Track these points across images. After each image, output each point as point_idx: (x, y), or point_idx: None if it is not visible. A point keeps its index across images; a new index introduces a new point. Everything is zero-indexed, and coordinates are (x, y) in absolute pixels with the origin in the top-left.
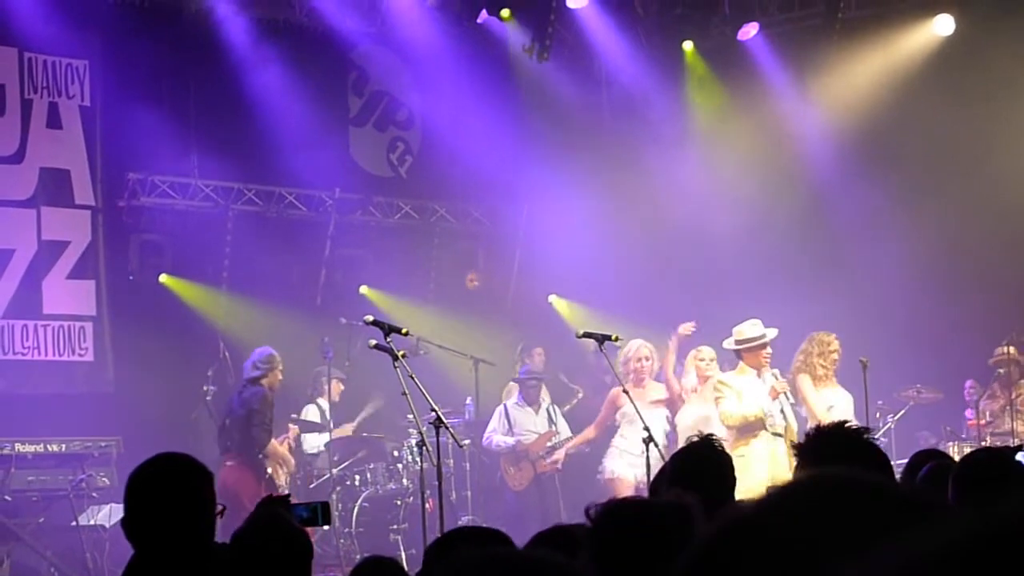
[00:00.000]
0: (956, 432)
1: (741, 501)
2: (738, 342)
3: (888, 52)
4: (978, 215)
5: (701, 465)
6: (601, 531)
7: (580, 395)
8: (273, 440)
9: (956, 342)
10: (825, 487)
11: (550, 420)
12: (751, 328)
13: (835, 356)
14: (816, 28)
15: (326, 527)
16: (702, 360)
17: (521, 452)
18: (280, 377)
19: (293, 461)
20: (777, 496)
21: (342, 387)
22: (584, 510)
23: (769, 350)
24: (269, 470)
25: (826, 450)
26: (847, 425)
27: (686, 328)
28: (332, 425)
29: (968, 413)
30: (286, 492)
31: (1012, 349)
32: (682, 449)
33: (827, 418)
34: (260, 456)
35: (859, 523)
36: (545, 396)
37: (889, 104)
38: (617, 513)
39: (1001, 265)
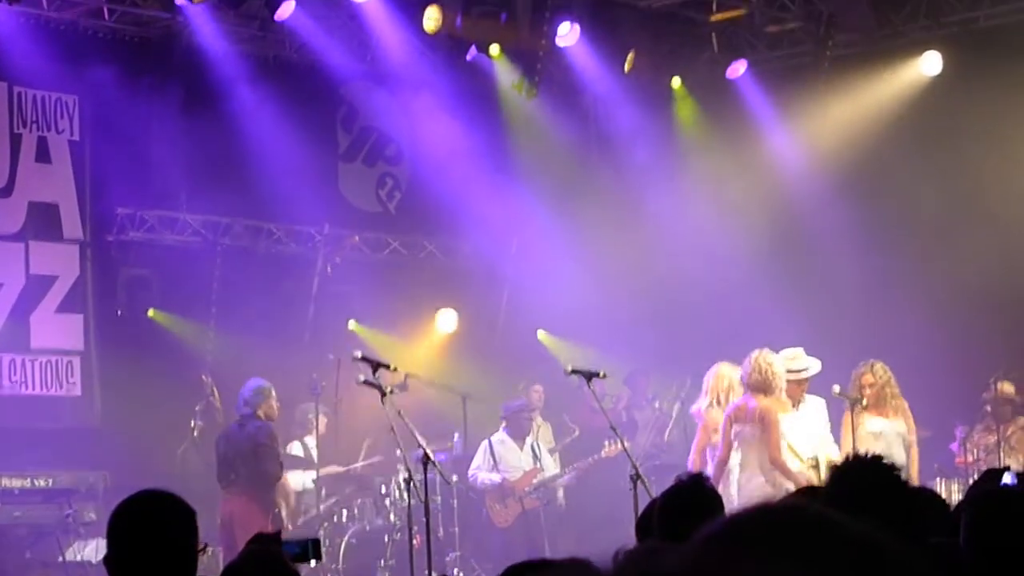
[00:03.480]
0: (943, 469)
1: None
2: (790, 371)
3: (876, 90)
4: (967, 251)
5: (689, 504)
6: None
7: (576, 434)
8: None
9: (945, 379)
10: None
11: (535, 456)
12: (795, 358)
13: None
14: (804, 66)
15: (316, 563)
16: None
17: (507, 489)
18: (276, 406)
19: (292, 491)
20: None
21: (327, 421)
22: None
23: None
24: (278, 506)
25: (851, 485)
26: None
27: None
28: (318, 461)
29: (954, 448)
30: (288, 526)
31: (1008, 386)
32: (671, 487)
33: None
34: (271, 490)
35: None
36: (547, 435)
37: (877, 141)
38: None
39: (991, 301)
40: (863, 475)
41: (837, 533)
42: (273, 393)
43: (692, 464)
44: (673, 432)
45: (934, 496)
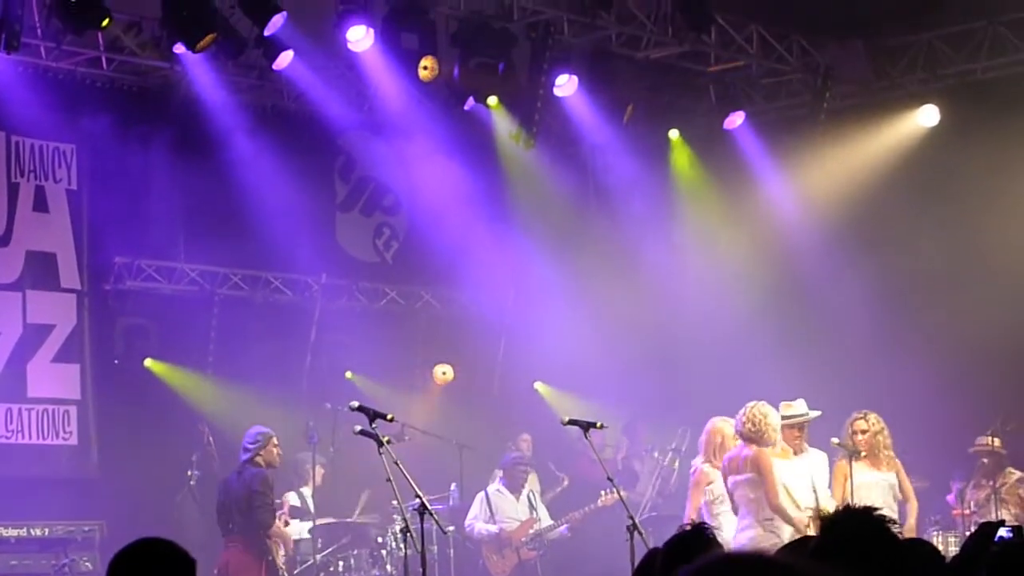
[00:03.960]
0: (941, 521)
1: None
2: (784, 418)
3: (873, 141)
4: (965, 303)
5: (692, 554)
6: None
7: (565, 483)
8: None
9: (942, 431)
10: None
11: (531, 507)
12: (795, 406)
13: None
14: (802, 117)
15: None
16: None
17: (504, 539)
18: (277, 453)
19: (291, 537)
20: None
21: (323, 471)
22: None
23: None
24: (272, 554)
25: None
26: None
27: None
28: (314, 512)
29: (950, 500)
30: (284, 575)
31: (996, 441)
32: (674, 536)
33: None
34: (264, 538)
35: None
36: (534, 483)
37: (874, 193)
38: None
39: (989, 354)
40: (854, 526)
41: None
42: (274, 440)
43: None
44: (675, 483)
45: (928, 548)
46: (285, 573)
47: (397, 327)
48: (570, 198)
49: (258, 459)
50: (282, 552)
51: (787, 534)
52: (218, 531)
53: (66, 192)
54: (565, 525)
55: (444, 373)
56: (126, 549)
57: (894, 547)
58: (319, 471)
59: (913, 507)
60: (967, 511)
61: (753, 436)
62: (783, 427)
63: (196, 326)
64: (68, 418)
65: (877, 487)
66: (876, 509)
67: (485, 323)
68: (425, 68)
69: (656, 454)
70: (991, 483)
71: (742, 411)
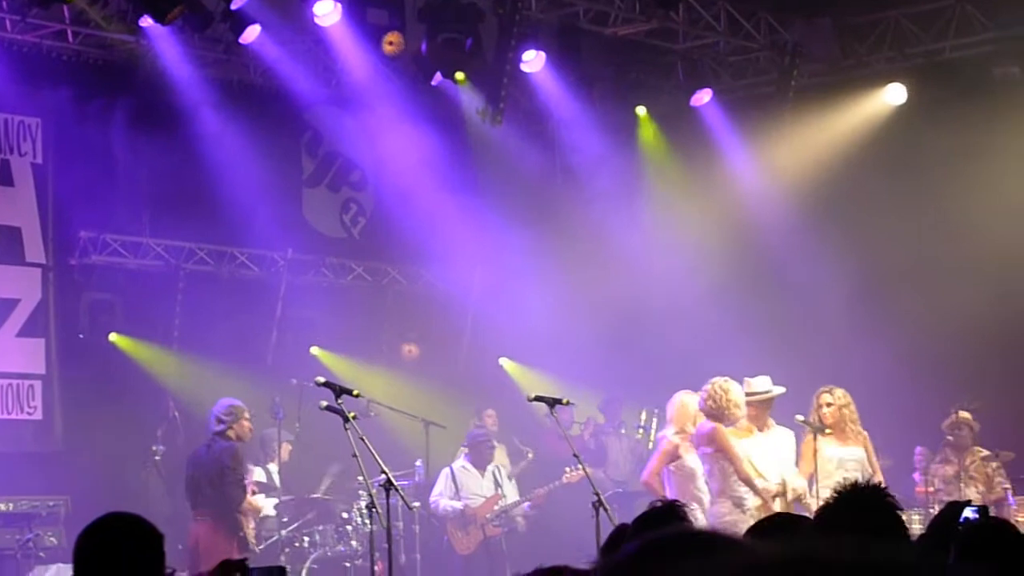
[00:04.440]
0: (906, 500)
1: None
2: (748, 394)
3: (840, 120)
4: (931, 279)
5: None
6: None
7: (530, 456)
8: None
9: (908, 409)
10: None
11: (496, 483)
12: (760, 382)
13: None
14: (769, 95)
15: None
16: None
17: (469, 516)
18: (249, 428)
19: (260, 507)
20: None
21: (290, 448)
22: None
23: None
24: (243, 529)
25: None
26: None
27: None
28: (280, 487)
29: (916, 477)
30: (255, 548)
31: (966, 414)
32: (645, 512)
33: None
34: (236, 513)
35: None
36: (503, 459)
37: (841, 170)
38: None
39: (952, 331)
40: (861, 501)
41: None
42: (246, 413)
43: (645, 485)
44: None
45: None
46: (256, 548)
47: (363, 303)
48: (537, 174)
49: (230, 432)
50: (252, 525)
51: (753, 505)
52: (184, 505)
53: (31, 166)
54: (529, 502)
55: (410, 351)
56: (93, 524)
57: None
58: (285, 447)
59: (878, 479)
60: (931, 488)
61: (714, 412)
62: (748, 404)
63: (162, 301)
64: (33, 393)
65: (845, 463)
66: (881, 486)
67: (452, 299)
68: (391, 44)
69: (624, 431)
70: (959, 459)
71: (704, 387)
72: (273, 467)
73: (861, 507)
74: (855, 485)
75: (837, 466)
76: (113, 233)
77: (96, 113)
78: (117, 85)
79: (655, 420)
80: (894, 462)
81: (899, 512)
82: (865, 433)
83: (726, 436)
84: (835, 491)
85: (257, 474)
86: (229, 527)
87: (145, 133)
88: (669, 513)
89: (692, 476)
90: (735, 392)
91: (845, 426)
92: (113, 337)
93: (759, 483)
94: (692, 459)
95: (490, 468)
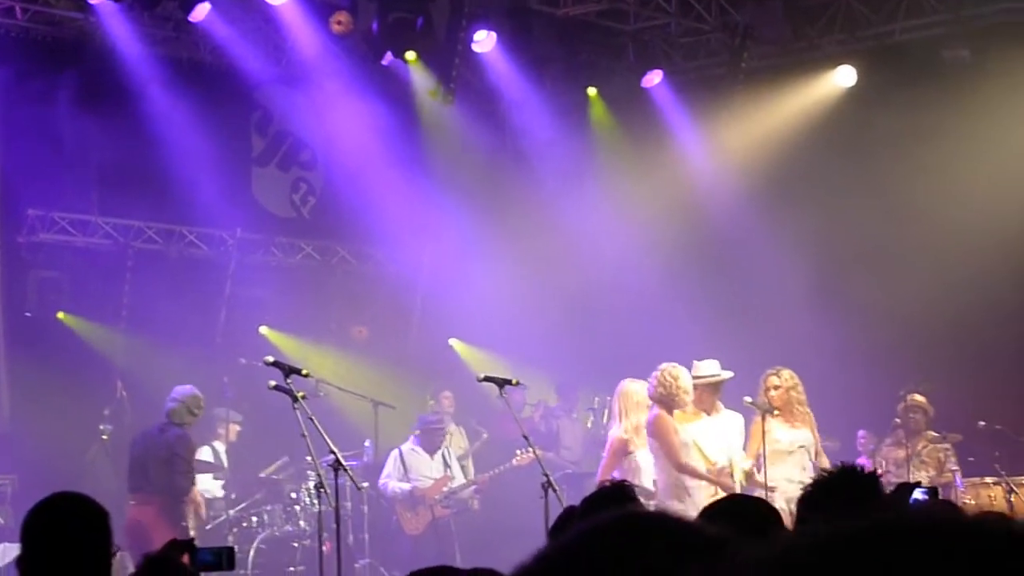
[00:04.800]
0: None
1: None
2: (695, 378)
3: (791, 101)
4: (877, 263)
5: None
6: None
7: (485, 436)
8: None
9: (855, 390)
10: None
11: (445, 464)
12: (708, 367)
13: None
14: (720, 76)
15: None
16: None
17: (418, 497)
18: (195, 419)
19: (201, 501)
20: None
21: (239, 428)
22: None
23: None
24: (186, 519)
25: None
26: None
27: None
28: (228, 467)
29: (861, 461)
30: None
31: (919, 397)
32: (594, 493)
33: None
34: (181, 503)
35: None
36: (461, 440)
37: (792, 152)
38: None
39: (902, 313)
40: (847, 484)
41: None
42: (202, 404)
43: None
44: (592, 440)
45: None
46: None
47: (313, 283)
48: (488, 154)
49: (187, 420)
50: (192, 516)
51: (701, 494)
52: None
53: None
54: (477, 483)
55: (360, 332)
56: (41, 503)
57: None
58: (233, 428)
59: (824, 463)
60: (880, 470)
61: (663, 399)
62: (695, 388)
63: (110, 280)
64: None
65: (795, 447)
66: (864, 469)
67: (401, 279)
68: (339, 23)
69: (575, 414)
70: (911, 443)
71: (653, 373)
72: (220, 446)
73: (852, 489)
74: (848, 468)
75: (786, 448)
76: (61, 211)
77: (44, 90)
78: (66, 62)
79: (606, 403)
80: (841, 444)
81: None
82: (811, 414)
83: (665, 427)
84: (825, 472)
85: (204, 453)
86: (174, 515)
87: (94, 111)
88: (617, 494)
89: (638, 472)
90: (684, 378)
91: (793, 408)
92: (61, 316)
93: (702, 468)
94: (642, 455)
95: (440, 450)
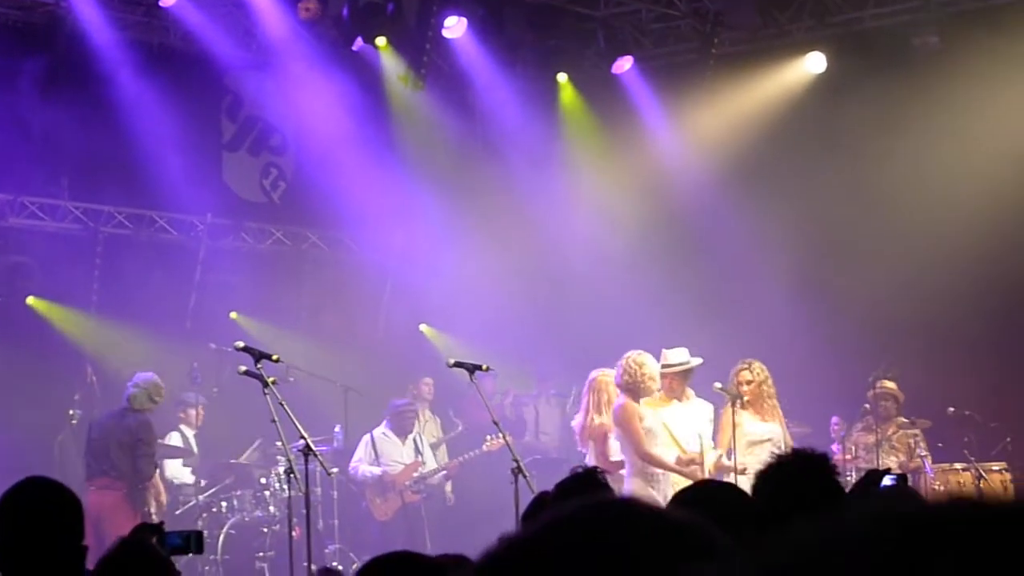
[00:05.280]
0: None
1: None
2: (664, 367)
3: (761, 87)
4: (846, 249)
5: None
6: None
7: (460, 428)
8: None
9: (826, 376)
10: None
11: (416, 450)
12: (677, 354)
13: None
14: (690, 62)
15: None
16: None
17: (388, 482)
18: (158, 404)
19: (164, 493)
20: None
21: (202, 412)
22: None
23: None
24: (148, 505)
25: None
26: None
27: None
28: (197, 451)
29: (835, 448)
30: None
31: (889, 383)
32: (566, 478)
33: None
34: (143, 489)
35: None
36: (435, 429)
37: (762, 138)
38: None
39: (866, 300)
40: (802, 469)
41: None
42: (162, 392)
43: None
44: (562, 426)
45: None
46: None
47: (283, 268)
48: (458, 140)
49: (148, 406)
50: (154, 502)
51: (668, 483)
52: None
53: None
54: (447, 469)
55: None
56: (11, 489)
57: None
58: (198, 411)
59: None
60: (850, 456)
61: (629, 386)
62: (665, 376)
63: (80, 264)
64: None
65: (764, 438)
66: (824, 455)
67: (371, 265)
68: (307, 10)
69: (544, 400)
70: (881, 428)
71: (619, 362)
72: (188, 431)
73: (805, 473)
74: (799, 452)
75: (757, 439)
76: (31, 196)
77: (15, 75)
78: (37, 47)
79: (573, 389)
80: (813, 430)
81: (839, 479)
82: (779, 408)
83: (629, 416)
84: (777, 457)
85: (173, 438)
86: (136, 500)
87: (65, 96)
88: (589, 480)
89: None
90: (650, 365)
91: (763, 401)
92: (31, 300)
93: (669, 458)
94: (612, 443)
95: (411, 435)
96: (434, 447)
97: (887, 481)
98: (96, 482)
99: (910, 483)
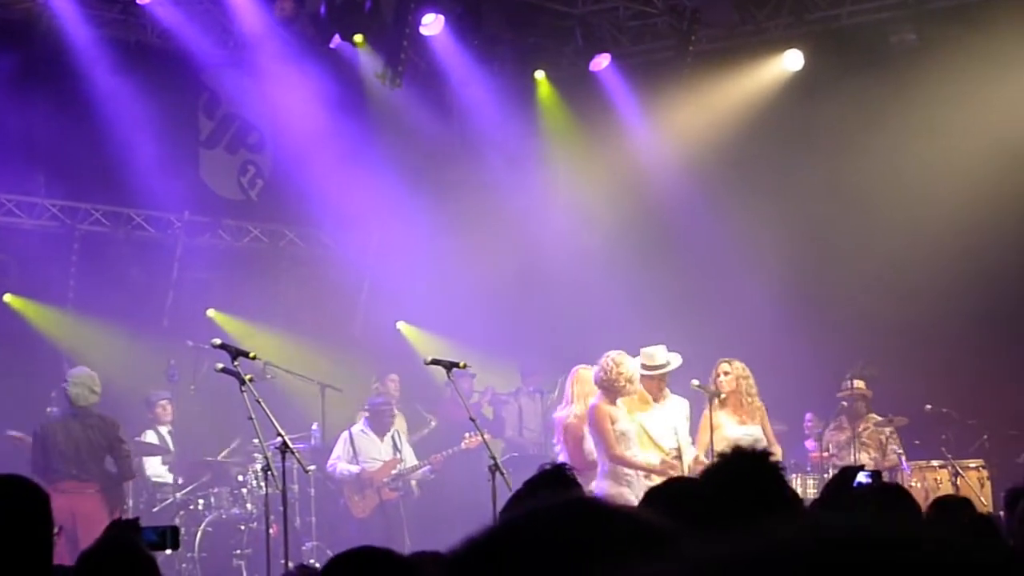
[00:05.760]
0: (800, 464)
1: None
2: (644, 368)
3: (738, 85)
4: (825, 247)
5: (551, 491)
6: None
7: (433, 424)
8: None
9: (799, 374)
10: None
11: (395, 447)
12: (655, 354)
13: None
14: (668, 60)
15: (172, 551)
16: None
17: (365, 480)
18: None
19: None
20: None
21: (170, 407)
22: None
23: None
24: (125, 501)
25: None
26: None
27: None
28: (173, 449)
29: (809, 444)
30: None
31: (860, 383)
32: (535, 475)
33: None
34: (122, 489)
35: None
36: (401, 425)
37: (739, 135)
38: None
39: (844, 297)
40: (743, 465)
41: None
42: (99, 382)
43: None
44: (541, 422)
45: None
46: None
47: (260, 265)
48: (436, 138)
49: (90, 401)
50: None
51: (640, 484)
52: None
53: None
54: (426, 466)
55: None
56: None
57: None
58: (168, 406)
59: (776, 453)
60: (826, 453)
61: (606, 385)
62: (644, 378)
63: (57, 262)
64: None
65: (743, 441)
66: (766, 452)
67: (349, 262)
68: (282, 10)
69: (522, 398)
70: (854, 426)
71: (599, 361)
72: (164, 428)
73: (748, 473)
74: (741, 450)
75: (735, 443)
76: (7, 193)
77: None
78: (13, 44)
79: (556, 387)
80: (789, 428)
81: (784, 478)
82: (763, 407)
83: (601, 418)
84: (720, 456)
85: (148, 436)
86: (115, 500)
87: (42, 93)
88: (557, 477)
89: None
90: (627, 365)
91: (742, 399)
92: (7, 298)
93: (654, 458)
94: (588, 440)
95: (390, 433)
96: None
97: (862, 477)
98: (62, 485)
99: (886, 479)
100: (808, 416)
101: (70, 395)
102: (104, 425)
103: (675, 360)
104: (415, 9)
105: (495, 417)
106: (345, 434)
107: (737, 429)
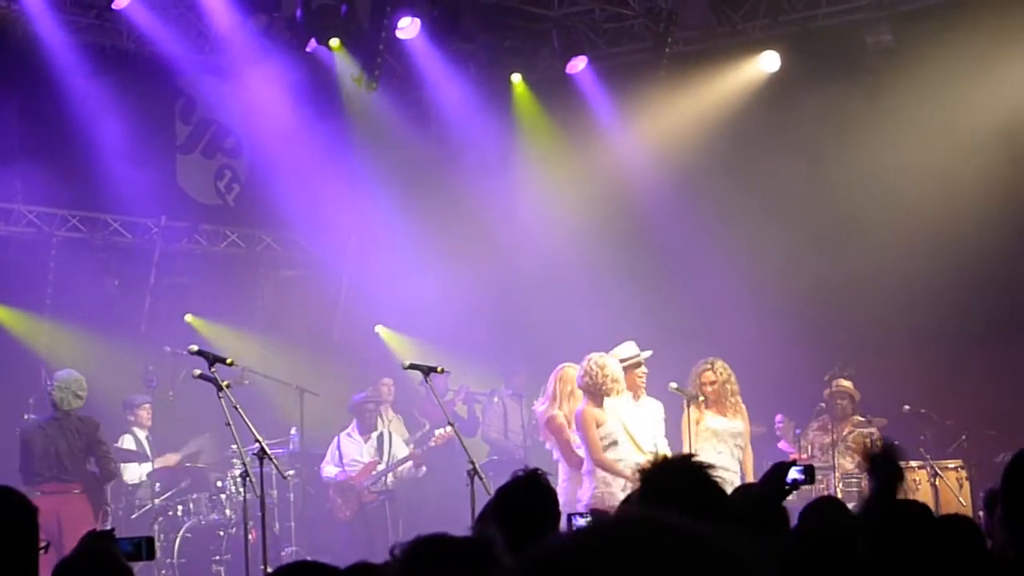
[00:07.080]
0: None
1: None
2: (623, 360)
3: (715, 87)
4: (803, 248)
5: (524, 497)
6: (405, 567)
7: (426, 428)
8: None
9: (780, 374)
10: (637, 530)
11: (380, 447)
12: (627, 349)
13: (711, 384)
14: (644, 62)
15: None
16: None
17: (346, 483)
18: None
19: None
20: (586, 534)
21: (150, 411)
22: (390, 549)
23: (644, 370)
24: (108, 502)
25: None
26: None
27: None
28: (152, 453)
29: (782, 446)
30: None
31: (848, 383)
32: (509, 481)
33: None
34: (104, 490)
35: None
36: (398, 427)
37: (716, 138)
38: (417, 549)
39: (821, 298)
40: (674, 473)
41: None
42: (85, 387)
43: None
44: (522, 424)
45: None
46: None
47: (238, 270)
48: (412, 141)
49: (74, 404)
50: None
51: (619, 485)
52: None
53: None
54: (410, 461)
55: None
56: None
57: (715, 492)
58: (148, 410)
59: (748, 454)
60: (805, 455)
61: (591, 389)
62: (627, 372)
63: (34, 268)
64: None
65: (722, 435)
66: (692, 456)
67: (326, 267)
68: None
69: (496, 399)
70: (838, 428)
71: (582, 364)
72: (141, 433)
73: (678, 481)
74: (668, 459)
75: (715, 437)
76: None
77: None
78: None
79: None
80: (767, 429)
81: (717, 484)
82: (744, 406)
83: (587, 422)
84: (649, 464)
85: (126, 441)
86: (97, 503)
87: (17, 98)
88: (532, 481)
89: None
90: (612, 367)
91: (726, 400)
92: None
93: (636, 459)
94: (573, 436)
95: (375, 434)
96: (405, 443)
97: (795, 473)
98: (46, 488)
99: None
100: (779, 418)
101: (54, 399)
102: (84, 426)
103: (645, 353)
104: (391, 13)
105: (468, 416)
106: (336, 438)
107: (720, 422)
